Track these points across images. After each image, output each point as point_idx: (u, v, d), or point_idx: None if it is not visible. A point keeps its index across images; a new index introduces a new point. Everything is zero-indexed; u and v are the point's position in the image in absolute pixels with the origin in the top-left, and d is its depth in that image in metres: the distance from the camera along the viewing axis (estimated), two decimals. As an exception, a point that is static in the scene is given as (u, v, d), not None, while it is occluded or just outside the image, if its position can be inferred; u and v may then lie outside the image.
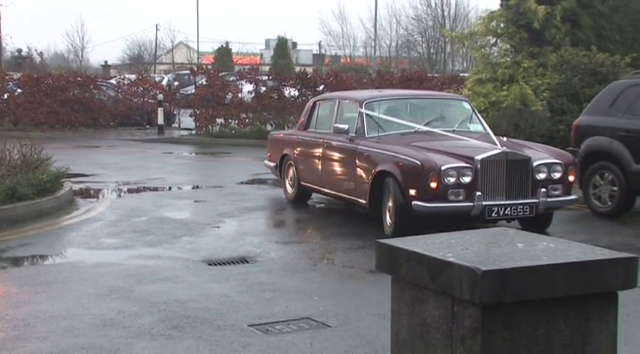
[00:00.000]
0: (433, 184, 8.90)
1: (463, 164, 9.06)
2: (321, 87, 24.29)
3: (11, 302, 6.86)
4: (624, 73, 14.62)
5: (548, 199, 9.24)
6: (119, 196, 13.24)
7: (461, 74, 31.29)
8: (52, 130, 25.16)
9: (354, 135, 10.45)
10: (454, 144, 9.77)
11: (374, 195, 9.68)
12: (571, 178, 9.62)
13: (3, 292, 7.29)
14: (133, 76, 31.72)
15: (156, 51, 74.18)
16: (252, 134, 23.19)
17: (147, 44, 74.24)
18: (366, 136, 10.29)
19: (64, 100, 26.19)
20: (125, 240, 9.37)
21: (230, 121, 24.41)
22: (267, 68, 48.88)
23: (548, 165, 9.39)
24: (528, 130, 15.54)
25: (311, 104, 12.44)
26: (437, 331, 2.68)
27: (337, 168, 10.88)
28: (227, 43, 55.98)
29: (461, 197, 9.00)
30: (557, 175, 9.39)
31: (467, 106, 11.37)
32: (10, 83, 27.46)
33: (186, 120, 26.29)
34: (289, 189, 12.15)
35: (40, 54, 42.60)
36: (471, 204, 8.93)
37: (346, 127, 10.53)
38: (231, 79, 26.53)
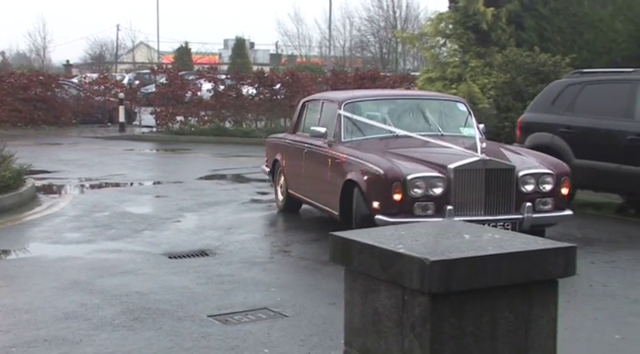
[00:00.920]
0: (397, 196, 7.70)
1: (433, 174, 7.80)
2: (278, 85, 24.29)
3: (-25, 296, 6.75)
4: (564, 73, 14.81)
5: (536, 215, 7.97)
6: (81, 191, 13.10)
7: (412, 73, 31.44)
8: (15, 127, 24.81)
9: (332, 139, 9.18)
10: (435, 150, 8.46)
11: (345, 206, 8.50)
12: (564, 190, 8.20)
13: (-33, 287, 7.17)
14: (94, 75, 31.38)
15: (117, 51, 73.48)
16: (211, 131, 23.17)
17: (108, 44, 73.57)
18: (342, 140, 9.06)
19: (26, 98, 25.85)
20: (87, 234, 9.28)
21: (190, 118, 24.28)
22: (225, 67, 48.70)
23: (537, 175, 8.04)
24: (476, 126, 15.65)
25: (300, 105, 11.06)
26: (388, 319, 2.70)
27: (315, 176, 9.57)
28: (186, 43, 55.61)
29: (430, 211, 7.74)
30: (548, 187, 8.05)
31: (462, 107, 9.87)
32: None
33: (146, 118, 26.10)
34: (280, 197, 10.89)
35: (2, 53, 42.07)
36: (440, 220, 7.21)
37: (323, 130, 9.32)
38: (191, 78, 26.39)
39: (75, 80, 31.10)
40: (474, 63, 17.15)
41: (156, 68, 27.70)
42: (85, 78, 30.67)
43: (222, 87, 24.58)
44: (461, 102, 10.20)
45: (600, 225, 10.01)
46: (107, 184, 13.87)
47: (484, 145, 8.74)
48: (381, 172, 7.87)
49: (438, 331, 2.53)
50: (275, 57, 70.25)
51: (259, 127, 23.93)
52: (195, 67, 42.53)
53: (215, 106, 24.33)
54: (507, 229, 7.67)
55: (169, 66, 33.96)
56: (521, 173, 7.97)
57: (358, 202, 8.19)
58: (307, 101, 10.96)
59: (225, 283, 7.05)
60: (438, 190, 7.76)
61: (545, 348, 2.68)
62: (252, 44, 68.31)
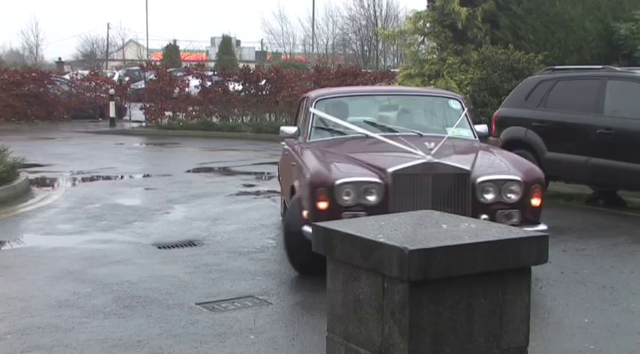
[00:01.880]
0: (322, 204, 6.36)
1: (366, 179, 6.42)
2: (263, 82, 24.25)
3: (-30, 286, 6.71)
4: (538, 69, 14.88)
5: None
6: (73, 184, 13.03)
7: (392, 70, 31.43)
8: (8, 122, 24.67)
9: (301, 140, 8.04)
10: (391, 153, 6.94)
11: None
12: (535, 201, 6.64)
13: (-38, 276, 7.13)
14: (85, 72, 31.18)
15: (107, 48, 73.11)
16: (199, 126, 23.16)
17: (99, 42, 73.25)
18: (307, 141, 7.87)
19: (19, 94, 25.69)
20: (79, 226, 9.23)
21: (178, 113, 24.23)
22: (212, 64, 48.53)
23: (499, 182, 6.51)
24: (453, 121, 15.70)
25: (298, 103, 9.70)
26: (369, 306, 2.70)
27: (285, 181, 8.58)
28: (175, 41, 55.53)
29: None
30: (513, 197, 6.54)
31: (455, 105, 8.36)
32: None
33: (136, 113, 26.00)
34: (280, 201, 9.96)
35: (-4, 51, 41.66)
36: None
37: (293, 130, 8.31)
38: (179, 74, 26.28)
39: (67, 77, 30.96)
40: (451, 60, 17.18)
41: (145, 65, 27.61)
42: (76, 75, 30.49)
43: (209, 83, 24.51)
44: (455, 99, 8.54)
45: (571, 215, 10.06)
46: (98, 177, 13.80)
47: (466, 147, 7.48)
48: (307, 176, 6.62)
49: (416, 317, 2.54)
50: (260, 54, 70.09)
51: (245, 122, 23.89)
52: (184, 64, 42.35)
53: (202, 101, 24.28)
54: None
55: (158, 63, 33.80)
56: (479, 179, 6.45)
57: (291, 212, 6.91)
58: (302, 99, 9.56)
59: (213, 272, 7.04)
60: (372, 198, 6.38)
61: (519, 332, 2.69)
62: (238, 42, 68.18)
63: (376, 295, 2.64)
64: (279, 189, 10.28)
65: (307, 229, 6.40)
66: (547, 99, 11.09)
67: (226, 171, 14.69)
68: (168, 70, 26.16)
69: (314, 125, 7.99)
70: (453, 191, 6.43)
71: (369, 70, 30.13)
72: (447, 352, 2.57)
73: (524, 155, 11.09)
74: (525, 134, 11.16)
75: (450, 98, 8.57)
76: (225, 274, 7.00)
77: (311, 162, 6.95)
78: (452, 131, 7.78)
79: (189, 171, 14.57)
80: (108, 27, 75.37)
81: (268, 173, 13.83)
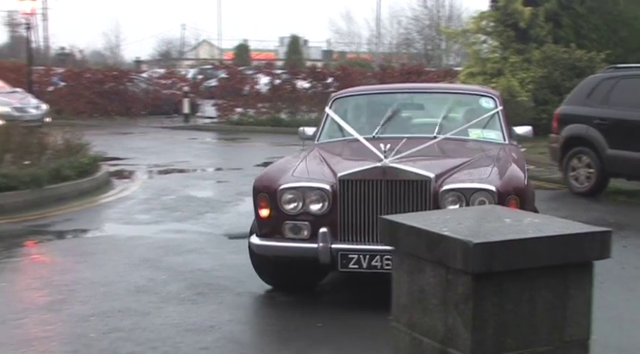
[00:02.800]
0: (264, 212, 5.57)
1: (311, 184, 5.49)
2: (330, 79, 24.27)
3: (57, 270, 6.90)
4: (599, 68, 14.57)
5: None
6: (150, 177, 13.26)
7: (454, 68, 31.17)
8: (91, 118, 25.20)
9: (315, 142, 7.20)
10: (370, 156, 5.79)
11: None
12: None
13: (50, 261, 7.33)
14: (161, 71, 31.68)
15: (182, 48, 74.06)
16: (268, 122, 23.29)
17: (174, 42, 74.18)
18: (316, 142, 7.11)
19: (101, 91, 26.21)
20: (155, 216, 9.39)
21: (248, 110, 24.41)
22: (281, 63, 48.78)
23: (467, 192, 5.29)
24: (515, 118, 15.53)
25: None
26: (433, 296, 2.69)
27: None
28: (245, 41, 55.94)
29: (305, 234, 5.48)
30: None
31: (486, 103, 7.11)
32: (55, 77, 27.52)
33: (208, 109, 26.30)
34: None
35: (81, 51, 42.71)
36: (314, 246, 5.36)
37: (312, 131, 7.45)
38: (249, 73, 26.51)
39: (144, 75, 31.47)
40: (513, 59, 16.97)
41: (217, 64, 27.90)
42: (153, 73, 31.02)
43: (278, 81, 24.64)
44: (489, 96, 7.24)
45: (632, 211, 9.83)
46: (173, 170, 14.02)
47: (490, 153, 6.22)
48: (253, 181, 5.86)
49: (479, 308, 2.52)
50: (327, 53, 70.15)
51: (312, 118, 23.96)
52: (254, 63, 42.68)
53: (271, 98, 24.41)
54: None
55: (230, 62, 34.12)
56: (444, 187, 5.34)
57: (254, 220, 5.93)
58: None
59: (281, 262, 7.07)
60: (316, 207, 5.45)
61: (581, 325, 2.65)
62: (305, 41, 68.32)
63: (440, 286, 2.63)
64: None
65: (252, 240, 5.71)
66: (609, 97, 10.85)
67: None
68: (239, 69, 26.42)
69: (325, 125, 7.21)
70: (411, 200, 5.32)
71: (432, 69, 29.90)
72: (509, 344, 2.54)
73: (585, 152, 10.93)
74: (586, 132, 10.94)
75: (483, 96, 7.27)
76: (292, 263, 7.02)
77: (280, 166, 6.13)
78: (475, 133, 6.76)
79: (258, 165, 14.68)
80: (183, 28, 76.42)
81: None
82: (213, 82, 28.28)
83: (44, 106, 20.87)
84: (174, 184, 12.10)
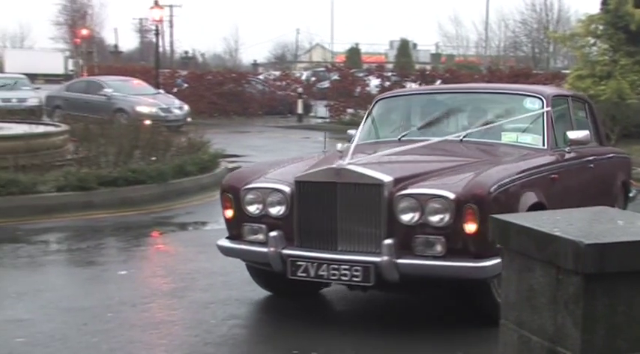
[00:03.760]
0: (228, 213, 5.22)
1: (270, 186, 5.04)
2: (438, 82, 24.02)
3: (179, 259, 7.12)
4: None
5: (409, 261, 4.55)
6: (266, 173, 13.42)
7: (562, 71, 30.28)
8: (211, 117, 25.82)
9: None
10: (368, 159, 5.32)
11: None
12: (470, 226, 4.51)
13: (173, 251, 7.57)
14: (277, 73, 32.17)
15: (296, 51, 74.94)
16: (378, 122, 23.22)
17: (289, 46, 75.19)
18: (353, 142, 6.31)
19: (220, 92, 26.82)
20: (271, 210, 9.51)
21: (359, 110, 24.41)
22: (391, 66, 48.65)
23: (422, 198, 4.58)
24: (624, 120, 14.98)
25: None
26: (542, 296, 2.63)
27: None
28: (357, 44, 56.02)
29: (262, 237, 5.02)
30: (437, 219, 4.55)
31: (531, 104, 6.09)
32: (179, 79, 28.39)
33: (321, 110, 26.49)
34: None
35: (202, 55, 43.96)
36: (265, 250, 4.91)
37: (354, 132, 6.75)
38: (360, 75, 26.56)
39: (261, 77, 32.00)
40: (623, 61, 16.35)
41: (330, 67, 28.07)
42: (269, 75, 31.53)
43: (388, 83, 24.57)
44: (535, 97, 6.14)
45: None
46: (287, 168, 14.14)
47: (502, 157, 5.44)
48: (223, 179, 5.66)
49: (590, 309, 2.44)
50: (435, 56, 69.46)
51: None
52: (365, 66, 42.73)
53: (381, 100, 24.36)
54: (355, 280, 4.61)
55: (341, 65, 34.30)
56: (398, 193, 4.64)
57: None
58: None
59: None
60: (275, 210, 4.98)
61: (695, 330, 2.52)
62: (414, 45, 67.84)
63: (550, 285, 2.56)
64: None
65: (218, 241, 5.35)
66: None
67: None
68: (350, 71, 26.50)
69: (362, 127, 6.64)
70: (365, 206, 4.68)
71: (539, 72, 29.16)
72: (620, 345, 2.45)
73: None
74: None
75: (528, 96, 6.22)
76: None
77: (262, 165, 5.97)
78: (508, 136, 5.92)
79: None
80: (297, 32, 77.18)
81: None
82: (325, 84, 28.49)
83: (186, 107, 21.64)
84: (288, 180, 12.21)
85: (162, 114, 20.00)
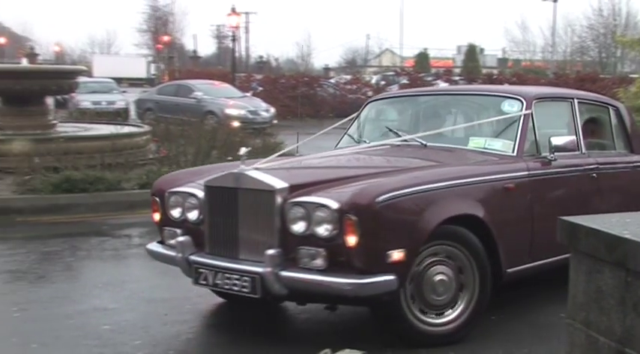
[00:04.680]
0: (156, 216, 4.93)
1: (187, 190, 4.72)
2: (506, 86, 23.69)
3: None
4: None
5: (290, 274, 4.08)
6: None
7: (630, 75, 29.44)
8: (284, 119, 26.01)
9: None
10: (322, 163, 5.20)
11: None
12: (350, 239, 3.95)
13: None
14: (348, 77, 32.20)
15: (366, 56, 74.88)
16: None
17: (359, 51, 75.17)
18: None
19: (293, 95, 27.03)
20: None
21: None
22: (458, 70, 48.13)
23: (310, 207, 4.09)
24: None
25: None
26: (611, 297, 2.56)
27: None
28: (425, 49, 55.60)
29: (173, 242, 4.78)
30: (322, 231, 4.04)
31: (508, 107, 5.29)
32: (254, 83, 28.73)
33: (390, 113, 26.37)
34: None
35: (276, 59, 44.40)
36: (174, 255, 4.64)
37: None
38: (429, 79, 26.39)
39: (332, 81, 32.11)
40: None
41: (399, 71, 27.97)
42: (340, 79, 31.58)
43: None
44: (515, 99, 5.31)
45: None
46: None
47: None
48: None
49: (659, 311, 2.36)
50: (502, 61, 68.42)
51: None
52: (433, 70, 42.39)
53: (449, 103, 24.18)
54: (244, 291, 4.20)
55: (410, 69, 34.10)
56: (290, 201, 4.18)
57: None
58: None
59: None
60: (192, 215, 4.67)
61: None
62: (481, 50, 66.95)
63: (619, 287, 2.49)
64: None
65: (147, 245, 5.03)
66: None
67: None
68: (419, 75, 26.38)
69: (348, 131, 6.33)
70: (260, 213, 4.27)
71: (607, 76, 28.43)
72: (690, 348, 2.37)
73: None
74: None
75: (507, 98, 5.39)
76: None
77: (209, 167, 5.55)
78: (476, 142, 5.25)
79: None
80: (367, 38, 77.27)
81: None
82: (395, 88, 28.38)
83: (272, 110, 21.93)
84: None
85: (251, 116, 20.27)
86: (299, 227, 4.10)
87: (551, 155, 5.13)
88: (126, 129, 12.63)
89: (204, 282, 4.40)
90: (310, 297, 4.30)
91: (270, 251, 4.11)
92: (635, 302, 2.41)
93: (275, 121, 21.17)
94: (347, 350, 3.86)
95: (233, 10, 30.03)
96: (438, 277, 4.34)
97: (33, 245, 7.41)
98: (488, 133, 5.32)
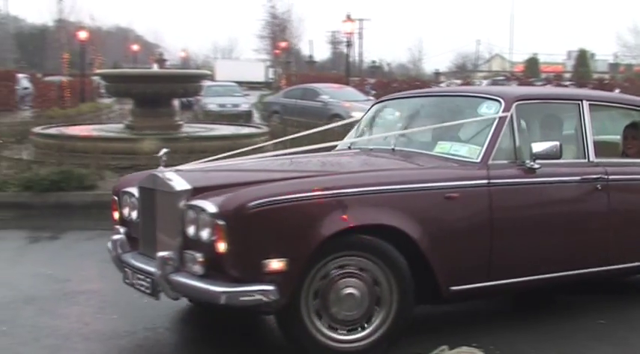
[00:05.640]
0: (115, 215, 4.63)
1: (130, 189, 4.45)
2: (617, 90, 22.64)
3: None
4: None
5: (176, 278, 3.77)
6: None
7: None
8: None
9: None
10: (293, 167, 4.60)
11: None
12: (220, 245, 3.58)
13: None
14: (458, 81, 31.70)
15: (476, 61, 73.44)
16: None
17: (469, 56, 73.79)
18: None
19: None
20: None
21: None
22: (568, 75, 46.42)
23: (196, 210, 3.76)
24: None
25: None
26: None
27: None
28: (535, 54, 54.00)
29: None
30: (204, 235, 3.70)
31: (486, 109, 4.58)
32: (368, 86, 28.75)
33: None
34: None
35: (388, 64, 44.24)
36: (112, 251, 4.41)
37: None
38: (539, 83, 25.59)
39: (443, 85, 31.67)
40: None
41: (509, 75, 27.28)
42: (450, 83, 31.08)
43: (566, 92, 23.53)
44: (495, 100, 4.60)
45: None
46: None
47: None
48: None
49: None
50: (613, 66, 65.46)
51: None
52: (542, 75, 41.06)
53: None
54: (147, 292, 3.97)
55: (520, 74, 33.18)
56: (187, 203, 3.85)
57: None
58: None
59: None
60: (134, 214, 4.40)
61: None
62: (592, 55, 64.30)
63: None
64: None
65: (108, 243, 4.57)
66: None
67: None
68: (529, 80, 25.64)
69: (350, 134, 5.76)
70: (167, 215, 3.99)
71: None
72: None
73: None
74: None
75: (487, 99, 4.69)
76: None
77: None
78: (442, 146, 4.59)
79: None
80: (477, 43, 75.75)
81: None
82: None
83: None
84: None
85: None
86: (191, 230, 3.79)
87: (531, 163, 4.35)
88: (246, 130, 12.86)
89: (127, 281, 4.19)
90: (175, 291, 3.88)
91: (162, 253, 3.83)
92: None
93: None
94: (464, 347, 3.74)
95: (348, 17, 30.08)
96: (347, 291, 3.80)
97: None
98: (461, 138, 4.64)
